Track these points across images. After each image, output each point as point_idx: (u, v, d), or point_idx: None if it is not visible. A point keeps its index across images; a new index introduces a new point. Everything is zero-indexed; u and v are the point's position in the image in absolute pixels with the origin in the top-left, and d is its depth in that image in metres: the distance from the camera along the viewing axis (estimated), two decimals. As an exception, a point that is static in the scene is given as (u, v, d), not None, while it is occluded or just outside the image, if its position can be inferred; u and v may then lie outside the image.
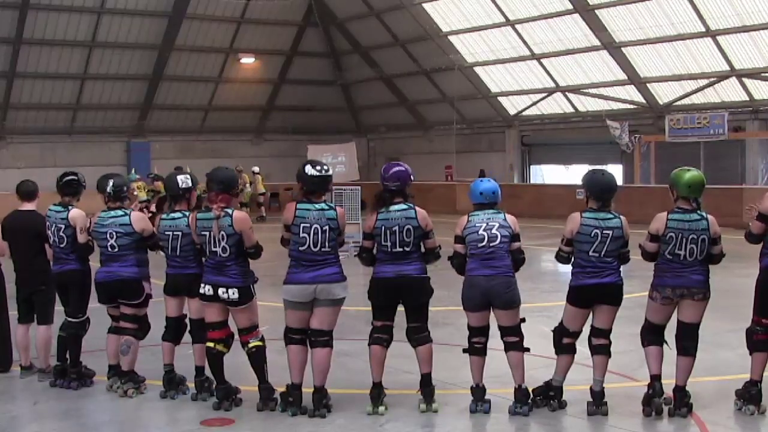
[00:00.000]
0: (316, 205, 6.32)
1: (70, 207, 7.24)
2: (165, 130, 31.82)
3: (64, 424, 6.43)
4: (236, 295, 6.40)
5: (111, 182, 7.09)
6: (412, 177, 6.53)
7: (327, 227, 6.28)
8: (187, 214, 6.75)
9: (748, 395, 6.30)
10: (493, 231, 6.33)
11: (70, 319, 7.25)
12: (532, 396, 6.53)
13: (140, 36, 28.97)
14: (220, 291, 6.40)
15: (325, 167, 6.44)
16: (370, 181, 26.29)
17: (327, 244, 6.30)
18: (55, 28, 27.41)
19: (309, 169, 6.38)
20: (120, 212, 7.01)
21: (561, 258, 6.49)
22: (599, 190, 6.37)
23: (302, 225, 6.26)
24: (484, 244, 6.33)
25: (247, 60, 31.91)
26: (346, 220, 6.59)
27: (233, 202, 6.58)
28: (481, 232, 6.34)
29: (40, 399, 6.99)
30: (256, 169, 26.78)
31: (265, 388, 6.52)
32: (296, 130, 33.93)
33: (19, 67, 27.62)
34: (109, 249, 6.95)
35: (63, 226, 7.15)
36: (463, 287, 6.45)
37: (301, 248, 6.29)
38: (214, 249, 6.41)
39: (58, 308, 7.50)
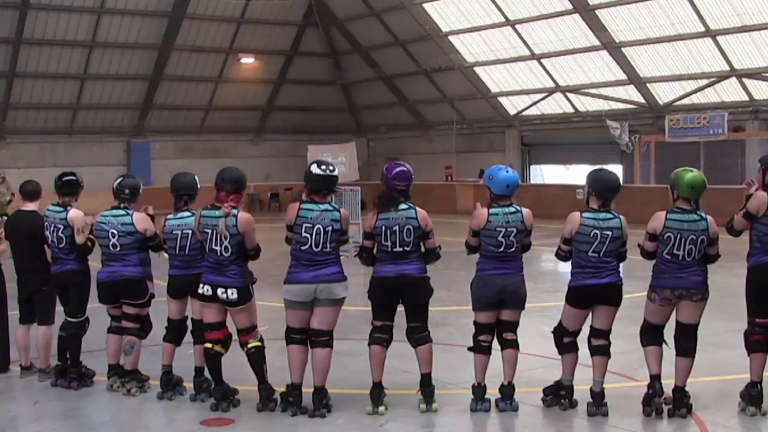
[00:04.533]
0: (320, 206, 6.31)
1: (69, 207, 7.23)
2: (165, 130, 31.83)
3: (64, 424, 6.42)
4: (235, 296, 6.39)
5: (127, 182, 7.11)
6: (413, 176, 6.54)
7: (330, 228, 6.27)
8: (196, 213, 6.71)
9: (749, 396, 6.30)
10: (511, 238, 6.35)
11: (69, 319, 7.24)
12: (543, 395, 6.57)
13: (140, 36, 28.97)
14: (219, 291, 6.38)
15: (331, 167, 6.43)
16: (370, 181, 26.30)
17: (328, 244, 6.29)
18: (55, 28, 27.41)
19: (314, 168, 6.38)
20: (122, 211, 6.99)
21: (560, 256, 6.50)
22: (603, 188, 6.35)
23: (305, 225, 6.25)
24: (501, 250, 6.36)
25: (247, 60, 31.92)
26: (349, 222, 6.58)
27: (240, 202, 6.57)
28: (499, 238, 6.33)
29: (40, 399, 6.99)
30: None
31: (265, 388, 6.52)
32: (296, 130, 33.93)
33: (19, 67, 27.63)
34: (111, 248, 6.94)
35: (62, 227, 7.15)
36: (475, 286, 6.45)
37: (302, 248, 6.28)
38: (214, 248, 6.39)
39: (58, 308, 7.50)
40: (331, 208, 6.34)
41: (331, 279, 6.29)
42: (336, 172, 6.43)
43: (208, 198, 6.55)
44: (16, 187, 8.12)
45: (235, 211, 6.37)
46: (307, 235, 6.25)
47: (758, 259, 6.27)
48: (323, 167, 6.40)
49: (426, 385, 6.44)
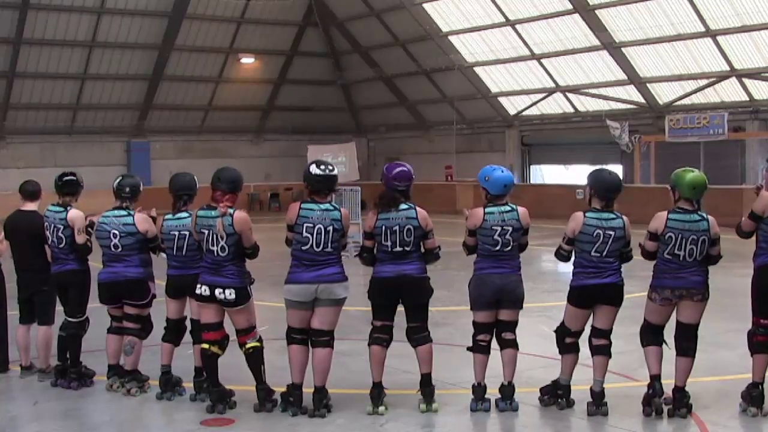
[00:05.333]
0: (321, 206, 6.31)
1: (69, 207, 7.23)
2: (165, 130, 31.83)
3: (64, 424, 6.42)
4: (233, 296, 6.37)
5: (127, 181, 7.12)
6: (413, 176, 6.55)
7: (331, 228, 6.27)
8: (192, 213, 6.70)
9: (750, 397, 6.27)
10: (507, 237, 6.35)
11: (69, 319, 7.24)
12: (540, 395, 6.58)
13: (140, 36, 28.97)
14: (217, 291, 6.36)
15: (330, 167, 6.43)
16: (370, 181, 26.30)
17: (330, 244, 6.28)
18: (55, 28, 27.41)
19: (314, 169, 6.38)
20: (123, 212, 6.99)
21: (560, 256, 6.49)
22: (604, 189, 6.35)
23: (305, 225, 6.25)
24: (498, 249, 6.36)
25: (247, 60, 31.91)
26: (349, 222, 6.57)
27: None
28: (496, 237, 6.34)
29: (40, 399, 6.99)
30: None
31: (262, 389, 6.50)
32: (296, 130, 33.93)
33: (19, 67, 27.63)
34: (112, 249, 6.93)
35: (62, 227, 7.14)
36: (473, 286, 6.45)
37: (303, 248, 6.28)
38: (211, 248, 6.37)
39: (58, 308, 7.50)
40: (331, 207, 6.33)
41: (331, 279, 6.28)
42: (335, 172, 6.43)
43: (207, 198, 6.55)
44: (14, 188, 8.12)
45: (230, 211, 6.37)
46: (308, 235, 6.25)
47: (764, 260, 6.23)
48: (322, 167, 6.39)
49: (426, 385, 6.44)
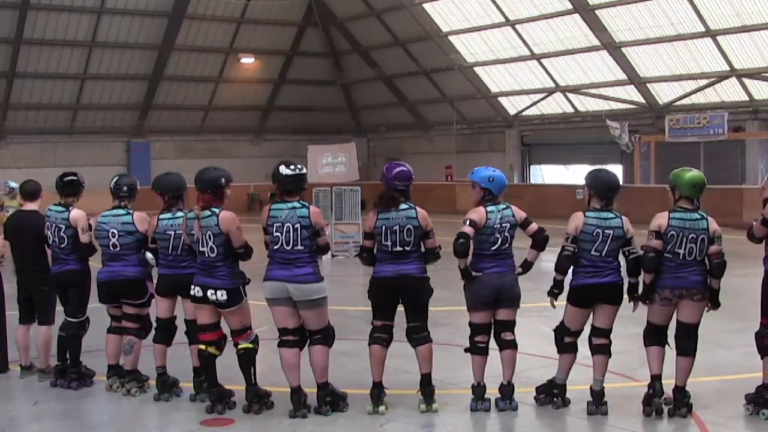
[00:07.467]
0: (289, 204, 6.32)
1: (71, 207, 7.22)
2: (165, 130, 31.83)
3: (64, 424, 6.42)
4: (225, 297, 6.34)
5: (125, 180, 7.13)
6: (413, 176, 6.56)
7: (298, 225, 6.25)
8: (183, 215, 6.67)
9: (762, 400, 6.18)
10: (505, 234, 6.41)
11: (69, 319, 7.23)
12: (535, 394, 6.59)
13: (140, 36, 28.98)
14: (209, 293, 6.34)
15: (299, 166, 6.44)
16: (370, 181, 26.29)
17: (300, 242, 6.25)
18: (55, 28, 27.42)
19: (283, 169, 6.38)
20: (122, 211, 6.99)
21: (566, 258, 6.36)
22: (604, 188, 6.37)
23: (275, 224, 6.28)
24: (496, 247, 6.39)
25: (247, 60, 31.92)
26: (323, 219, 6.50)
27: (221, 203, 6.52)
28: (496, 235, 6.38)
29: (40, 399, 6.99)
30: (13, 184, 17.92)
31: (252, 390, 6.48)
32: (296, 130, 33.92)
33: (19, 67, 27.63)
34: (111, 248, 6.93)
35: (63, 227, 7.14)
36: (470, 285, 6.44)
37: (275, 247, 6.30)
38: (202, 249, 6.37)
39: (58, 308, 7.49)
40: (299, 205, 6.32)
41: (302, 280, 6.24)
42: (305, 171, 6.44)
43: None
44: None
45: (216, 210, 6.35)
46: (278, 234, 6.26)
47: None
48: (292, 167, 6.41)
49: (426, 385, 6.44)
